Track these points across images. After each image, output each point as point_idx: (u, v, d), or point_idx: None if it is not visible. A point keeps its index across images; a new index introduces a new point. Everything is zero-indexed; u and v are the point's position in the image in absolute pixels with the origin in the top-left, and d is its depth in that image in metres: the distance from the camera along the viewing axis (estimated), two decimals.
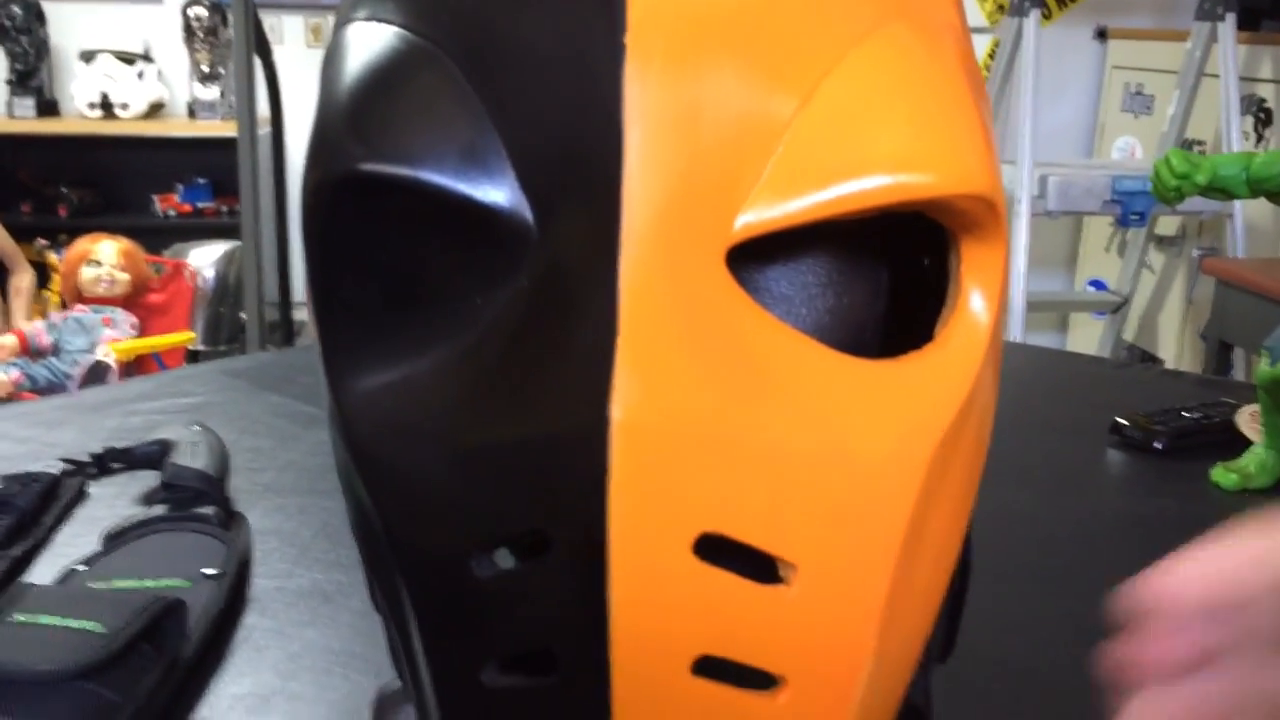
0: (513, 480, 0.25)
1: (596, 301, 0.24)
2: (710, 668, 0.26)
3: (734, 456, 0.25)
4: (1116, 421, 0.87)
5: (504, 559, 0.27)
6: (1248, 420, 0.86)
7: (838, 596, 0.26)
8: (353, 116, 0.27)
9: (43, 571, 0.61)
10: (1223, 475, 0.79)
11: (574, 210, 0.25)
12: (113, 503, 0.70)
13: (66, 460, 0.72)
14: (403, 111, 0.26)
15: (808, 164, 0.25)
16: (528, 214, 0.25)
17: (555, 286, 0.25)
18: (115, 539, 0.61)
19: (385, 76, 0.27)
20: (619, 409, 0.24)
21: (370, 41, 0.27)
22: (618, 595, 0.25)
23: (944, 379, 0.27)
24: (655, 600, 0.25)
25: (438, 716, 0.28)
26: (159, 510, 0.63)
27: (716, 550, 0.25)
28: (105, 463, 0.74)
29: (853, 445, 0.25)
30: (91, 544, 0.62)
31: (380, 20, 0.27)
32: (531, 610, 0.26)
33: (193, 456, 0.67)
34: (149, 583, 0.56)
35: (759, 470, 0.25)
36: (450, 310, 0.27)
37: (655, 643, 0.25)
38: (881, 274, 0.32)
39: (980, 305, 0.28)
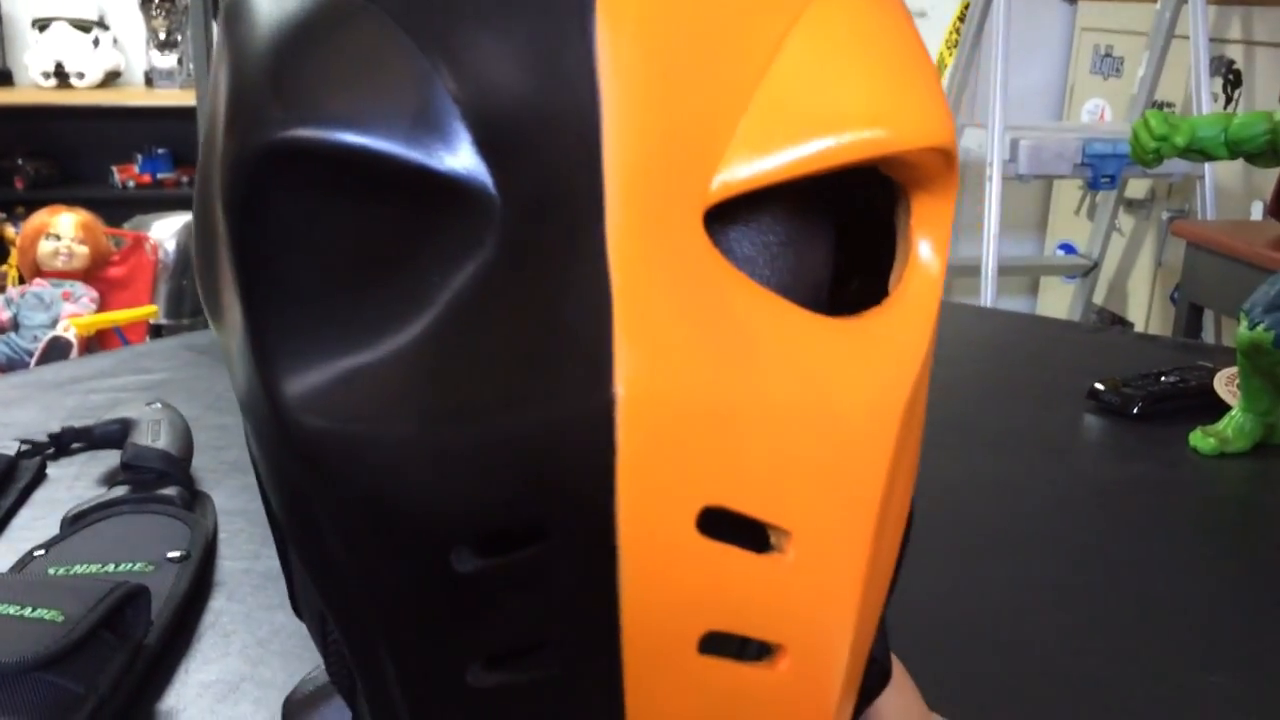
0: (502, 467, 0.23)
1: (584, 272, 0.23)
2: (714, 643, 0.25)
3: (730, 426, 0.24)
4: (1093, 387, 0.87)
5: (482, 551, 0.25)
6: (1225, 384, 0.86)
7: (829, 558, 0.26)
8: (273, 77, 0.24)
9: (0, 557, 0.59)
10: (1200, 440, 0.79)
11: (545, 174, 0.23)
12: (72, 484, 0.68)
13: (23, 440, 0.70)
14: (331, 69, 0.24)
15: (780, 121, 0.24)
16: (489, 182, 0.23)
17: (529, 258, 0.23)
18: (75, 522, 0.59)
19: (306, 31, 0.24)
20: (623, 386, 0.22)
21: None
22: (627, 577, 0.24)
23: (906, 331, 0.27)
24: (664, 580, 0.24)
25: None
26: (120, 492, 0.61)
27: (714, 524, 0.24)
28: (64, 443, 0.72)
29: (836, 403, 0.25)
30: (51, 527, 0.60)
31: None
32: (525, 601, 0.24)
33: (154, 436, 0.65)
34: (110, 567, 0.54)
35: (753, 438, 0.24)
36: (404, 290, 0.24)
37: (665, 624, 0.25)
38: (831, 232, 0.32)
39: (930, 256, 0.28)
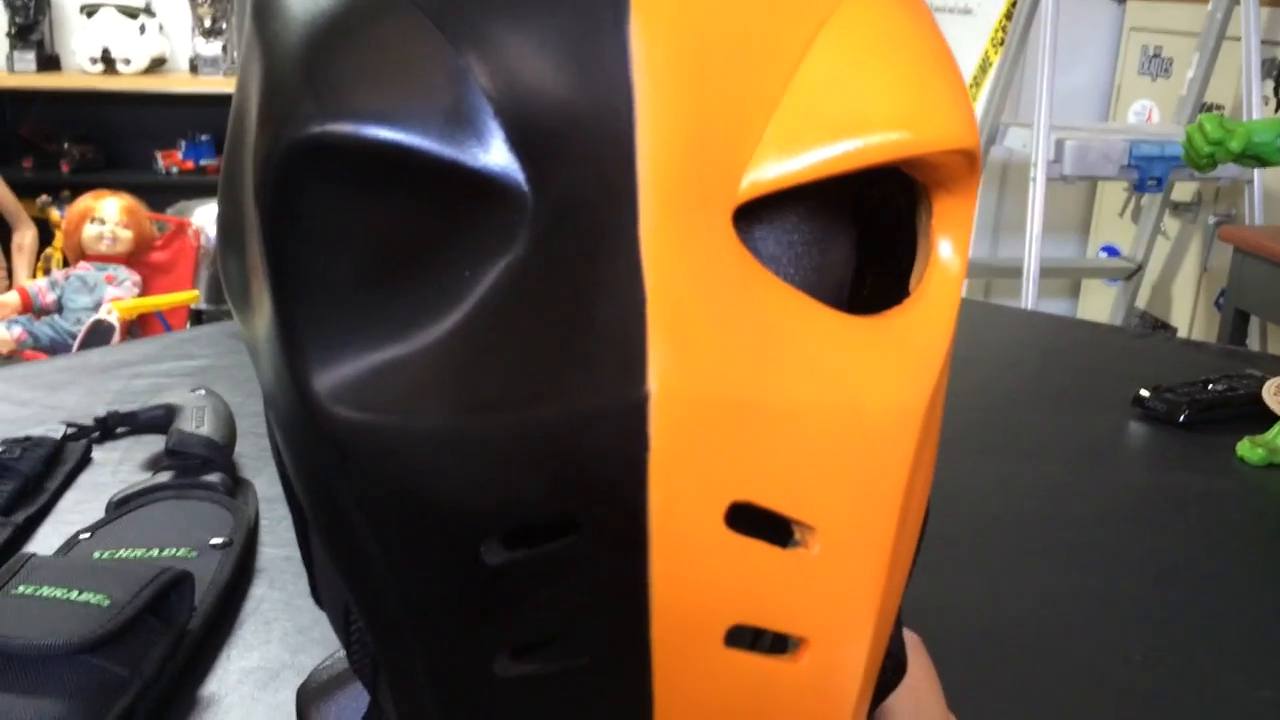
0: (533, 461, 0.24)
1: (618, 268, 0.23)
2: (740, 637, 0.26)
3: (759, 422, 0.24)
4: (1139, 394, 0.86)
5: (511, 543, 0.25)
6: (1273, 393, 0.84)
7: (851, 553, 0.26)
8: (306, 72, 0.24)
9: (46, 538, 0.60)
10: (1249, 450, 0.77)
11: (579, 171, 0.23)
12: (117, 468, 0.69)
13: (70, 424, 0.71)
14: (364, 64, 0.24)
15: (809, 123, 0.24)
16: (520, 177, 0.23)
17: (561, 255, 0.23)
18: (120, 506, 0.59)
19: (339, 26, 0.24)
20: (657, 382, 0.23)
21: None
22: (657, 571, 0.24)
23: (928, 330, 0.27)
24: (693, 575, 0.24)
25: (437, 714, 0.27)
26: (165, 477, 0.62)
27: (743, 519, 0.25)
28: (110, 427, 0.72)
29: (861, 401, 0.25)
30: (96, 510, 0.60)
31: None
32: (554, 593, 0.25)
33: (199, 422, 0.66)
34: (155, 552, 0.54)
35: (781, 434, 0.24)
36: (436, 285, 0.25)
37: (693, 617, 0.25)
38: (853, 231, 0.32)
39: (951, 255, 0.28)
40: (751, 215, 0.28)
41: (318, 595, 0.33)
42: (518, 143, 0.23)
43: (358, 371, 0.24)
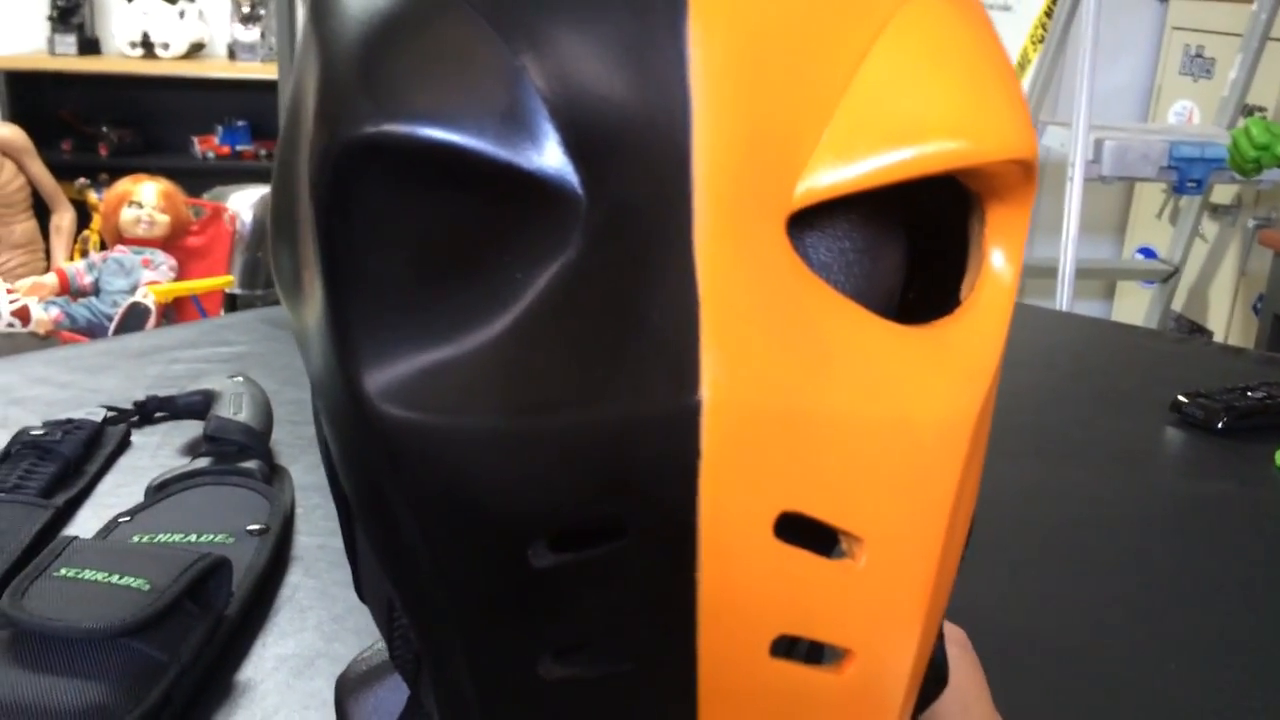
0: (582, 464, 0.24)
1: (672, 273, 0.23)
2: (785, 647, 0.26)
3: (809, 432, 0.24)
4: (1176, 399, 0.85)
5: (559, 546, 0.25)
6: None
7: (898, 565, 0.26)
8: (365, 71, 0.24)
9: (86, 522, 0.61)
10: None
11: (634, 175, 0.23)
12: (155, 452, 0.70)
13: (109, 408, 0.72)
14: (423, 64, 0.24)
15: (865, 130, 0.24)
16: (574, 180, 0.23)
17: (614, 259, 0.23)
18: (159, 491, 0.60)
19: (396, 26, 0.24)
20: (709, 390, 0.23)
21: None
22: (706, 579, 0.24)
23: (979, 341, 0.27)
24: (740, 583, 0.24)
25: (480, 714, 0.27)
26: (203, 463, 0.63)
27: (787, 529, 0.24)
28: (148, 411, 0.73)
29: (911, 412, 0.25)
30: (135, 494, 0.61)
31: None
32: (600, 598, 0.25)
33: (236, 409, 0.66)
34: (193, 537, 0.55)
35: (831, 445, 0.24)
36: (487, 286, 0.24)
37: (739, 625, 0.25)
38: (903, 239, 0.32)
39: (1004, 266, 0.28)
40: (804, 222, 0.28)
41: (360, 589, 0.33)
42: (572, 145, 0.23)
43: (409, 371, 0.24)
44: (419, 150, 0.23)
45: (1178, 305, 2.46)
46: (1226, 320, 2.32)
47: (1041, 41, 2.41)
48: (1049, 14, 2.45)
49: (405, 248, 0.25)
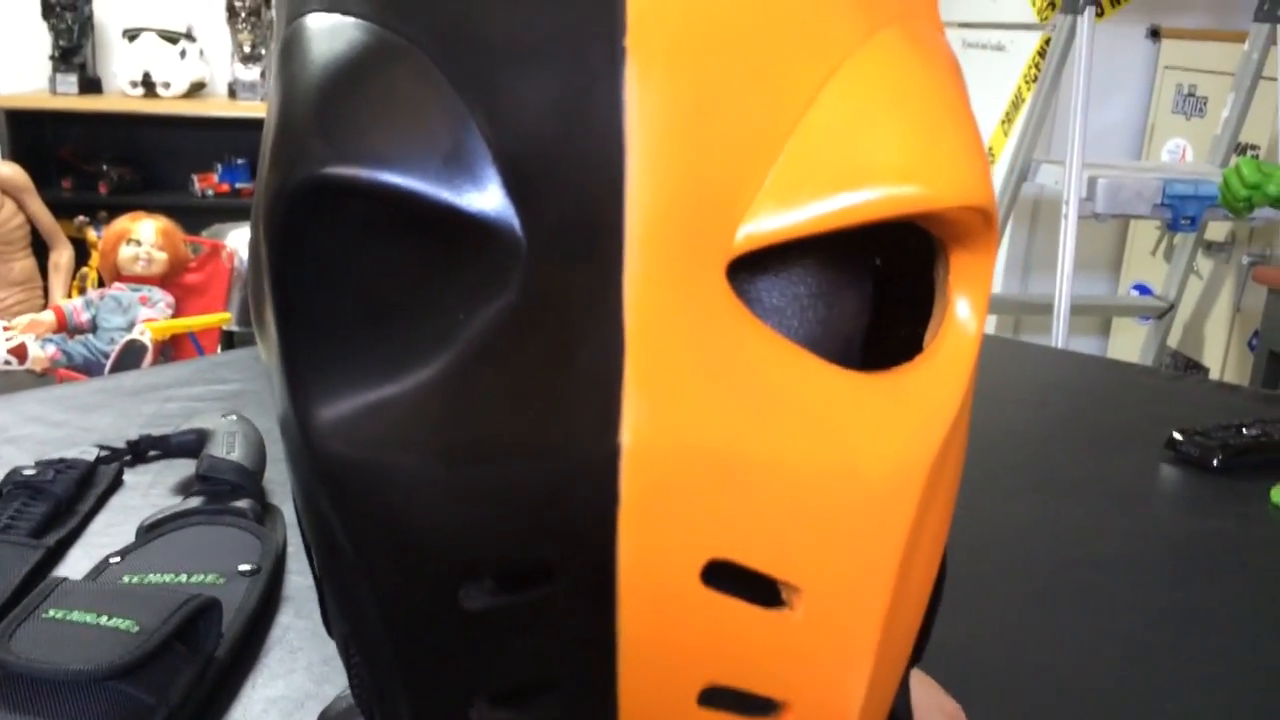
0: (511, 508, 0.24)
1: (600, 319, 0.23)
2: (715, 697, 0.25)
3: (742, 480, 0.24)
4: (1171, 436, 0.85)
5: (492, 589, 0.25)
6: None
7: (840, 617, 0.25)
8: (318, 115, 0.25)
9: (77, 562, 0.60)
10: None
11: (571, 221, 0.23)
12: (148, 491, 0.70)
13: (102, 446, 0.71)
14: (374, 109, 0.24)
15: (809, 174, 0.24)
16: (516, 224, 0.23)
17: (550, 302, 0.23)
18: (150, 531, 0.60)
19: (352, 72, 0.24)
20: (629, 434, 0.23)
21: (333, 35, 0.25)
22: (626, 626, 0.24)
23: (938, 390, 0.26)
24: (664, 630, 0.24)
25: None
26: (195, 502, 0.62)
27: (722, 576, 0.24)
28: (141, 450, 0.73)
29: (856, 462, 0.25)
30: (127, 534, 0.61)
31: (343, 12, 0.25)
32: (528, 643, 0.25)
33: (229, 448, 0.66)
34: (183, 578, 0.55)
35: (766, 493, 0.24)
36: (430, 326, 0.25)
37: (664, 674, 0.25)
38: (867, 283, 0.32)
39: (968, 314, 0.27)
40: (756, 266, 0.28)
41: (328, 624, 0.33)
42: (513, 187, 0.23)
43: (352, 409, 0.25)
44: (366, 191, 0.24)
45: (1173, 341, 2.47)
46: (1222, 356, 2.33)
47: (1035, 81, 2.43)
48: (1042, 54, 2.47)
49: (354, 286, 0.25)
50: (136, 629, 0.45)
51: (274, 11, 0.29)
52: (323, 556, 0.27)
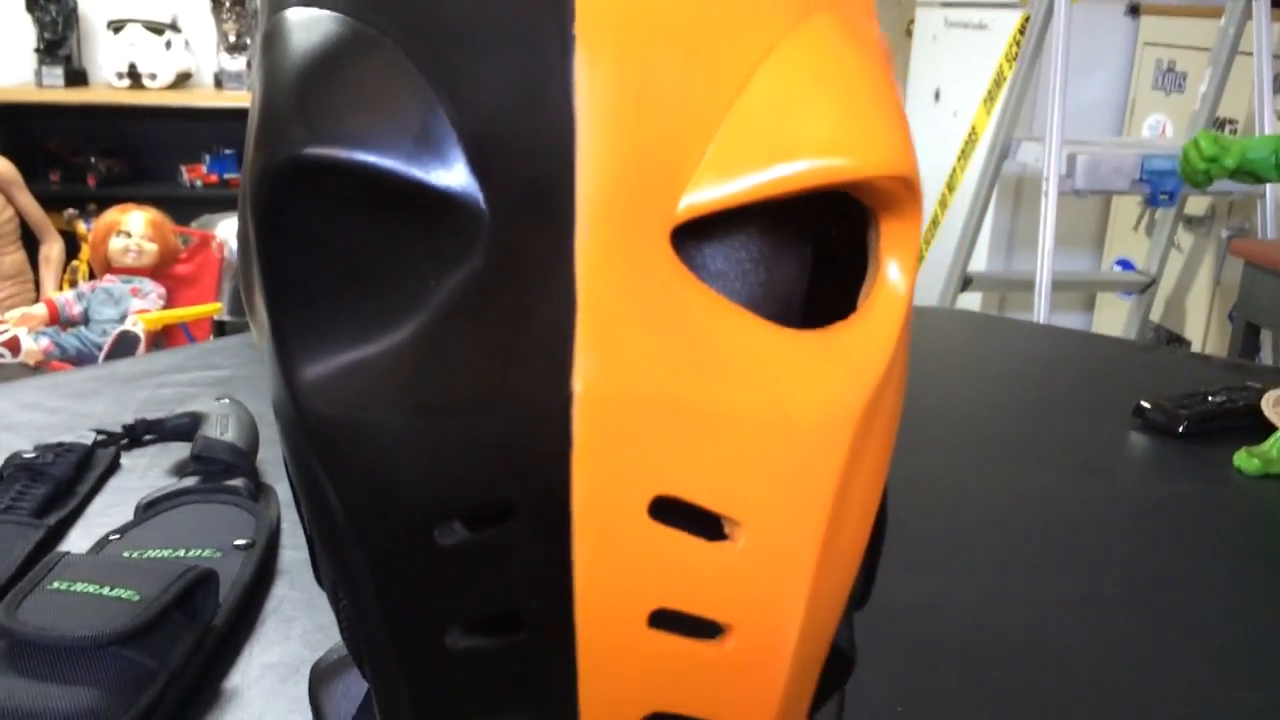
0: (478, 454, 0.26)
1: (554, 281, 0.25)
2: (664, 620, 0.27)
3: (685, 425, 0.26)
4: (1140, 405, 0.87)
5: (461, 528, 0.28)
6: (1272, 405, 0.86)
7: (777, 550, 0.28)
8: (298, 100, 0.27)
9: (78, 540, 0.62)
10: (1245, 460, 0.79)
11: (527, 194, 0.26)
12: (145, 473, 0.72)
13: (99, 431, 0.73)
14: (350, 95, 0.26)
15: (745, 148, 0.26)
16: (479, 197, 0.26)
17: (511, 267, 0.26)
18: (148, 509, 0.62)
19: (329, 61, 0.27)
20: (580, 383, 0.25)
21: (311, 27, 0.27)
22: (581, 557, 0.26)
23: (868, 345, 0.28)
24: (615, 560, 0.26)
25: (402, 680, 0.29)
26: (190, 482, 0.64)
27: (669, 511, 0.26)
28: (137, 434, 0.75)
29: (790, 410, 0.27)
30: (124, 514, 0.63)
31: (319, 6, 0.27)
32: (495, 574, 0.27)
33: (223, 429, 0.68)
34: (181, 552, 0.57)
35: (707, 436, 0.26)
36: (404, 292, 0.27)
37: (615, 599, 0.27)
38: (806, 249, 0.34)
39: (897, 276, 0.29)
40: (702, 233, 0.30)
41: (318, 575, 0.35)
42: (476, 164, 0.26)
43: (332, 369, 0.27)
44: (344, 170, 0.26)
45: (1156, 316, 2.50)
46: (1204, 329, 2.35)
47: (1016, 59, 2.45)
48: (1022, 32, 2.49)
49: (333, 256, 0.28)
50: (138, 598, 0.47)
51: (258, 4, 0.31)
52: (312, 507, 0.30)
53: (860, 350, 0.28)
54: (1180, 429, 0.84)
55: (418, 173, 0.26)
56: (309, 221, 0.27)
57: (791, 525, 0.27)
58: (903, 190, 0.28)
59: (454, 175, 0.26)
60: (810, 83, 0.27)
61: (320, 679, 0.40)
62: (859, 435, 0.28)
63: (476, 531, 0.27)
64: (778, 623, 0.28)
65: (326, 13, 0.27)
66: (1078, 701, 0.53)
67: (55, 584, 0.48)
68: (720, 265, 0.32)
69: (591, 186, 0.25)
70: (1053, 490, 0.76)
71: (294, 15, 0.28)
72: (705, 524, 0.27)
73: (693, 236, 0.27)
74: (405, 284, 0.27)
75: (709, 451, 0.26)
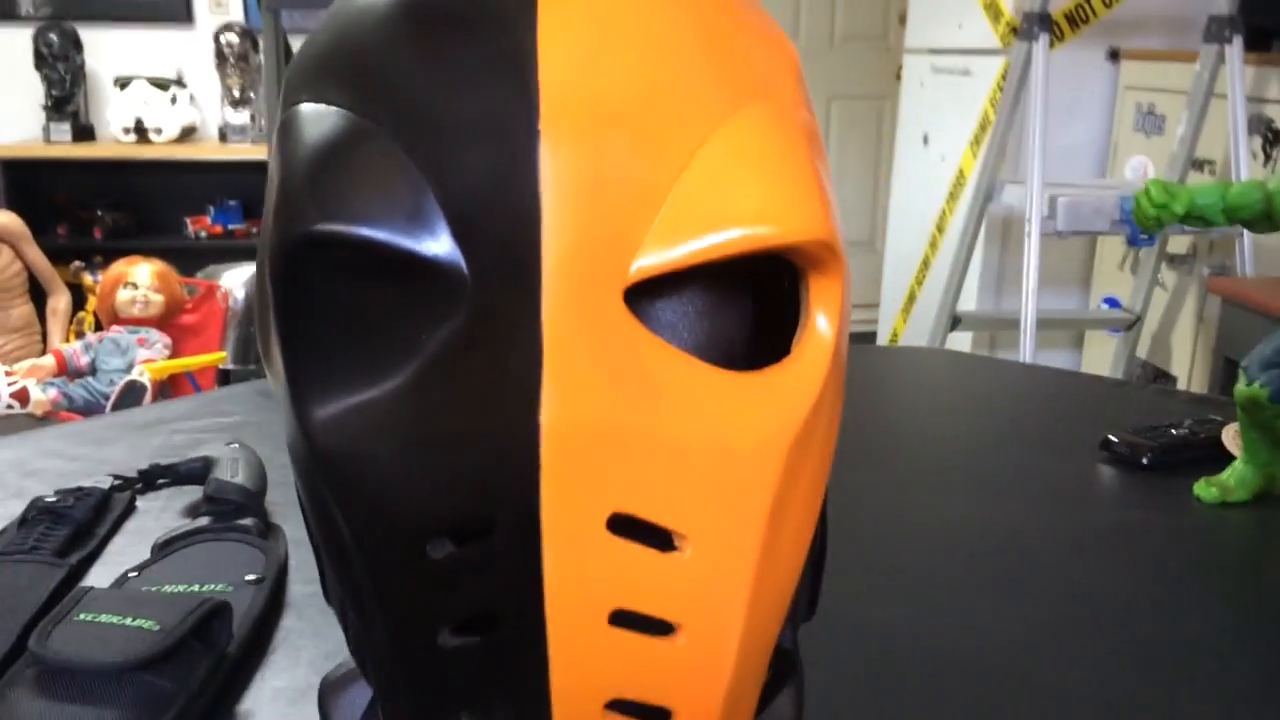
0: (463, 479, 0.31)
1: (525, 334, 0.30)
2: (623, 619, 0.31)
3: (637, 452, 0.30)
4: (1107, 438, 0.91)
5: (449, 543, 0.32)
6: (1232, 437, 0.89)
7: (719, 559, 0.32)
8: (310, 184, 0.32)
9: (98, 578, 0.66)
10: (1204, 489, 0.82)
11: (501, 261, 0.30)
12: (159, 515, 0.76)
13: (116, 476, 0.78)
14: (352, 179, 0.31)
15: (685, 220, 0.31)
16: (462, 264, 0.30)
17: (489, 322, 0.30)
18: (164, 548, 0.66)
19: (335, 150, 0.32)
20: (546, 418, 0.29)
21: (320, 120, 0.32)
22: (550, 565, 0.30)
23: (798, 384, 0.33)
24: (579, 567, 0.31)
25: (401, 677, 0.34)
26: (203, 522, 0.68)
27: (625, 526, 0.31)
28: (152, 478, 0.79)
29: (728, 439, 0.31)
30: (141, 553, 0.67)
31: (326, 103, 0.32)
32: (478, 581, 0.31)
33: (234, 472, 0.72)
34: (196, 587, 0.61)
35: (656, 462, 0.31)
36: (399, 343, 0.32)
37: (580, 600, 0.31)
38: (746, 302, 0.39)
39: (825, 325, 0.34)
40: (654, 291, 0.35)
41: (327, 594, 0.40)
42: (459, 237, 0.30)
43: (339, 410, 0.32)
44: (349, 242, 0.31)
45: (1143, 352, 2.54)
46: (1189, 366, 2.39)
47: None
48: (1005, 77, 2.55)
49: (339, 314, 0.33)
50: (158, 628, 0.51)
51: (280, 98, 0.36)
52: (322, 529, 0.34)
53: (791, 389, 0.33)
54: (1145, 460, 0.88)
55: (410, 244, 0.30)
56: (319, 285, 0.32)
57: (732, 538, 0.32)
58: (825, 252, 0.33)
59: (440, 246, 0.30)
60: (741, 163, 0.31)
61: (329, 690, 0.44)
62: (791, 461, 0.32)
63: (462, 545, 0.31)
64: (722, 623, 0.32)
65: (331, 108, 0.32)
66: (1043, 715, 0.56)
67: (82, 615, 0.52)
68: (669, 318, 0.37)
69: (556, 254, 0.30)
70: (1021, 519, 0.80)
71: (305, 109, 0.33)
72: (657, 537, 0.31)
73: (646, 294, 0.31)
74: (400, 337, 0.32)
75: (658, 475, 0.31)
